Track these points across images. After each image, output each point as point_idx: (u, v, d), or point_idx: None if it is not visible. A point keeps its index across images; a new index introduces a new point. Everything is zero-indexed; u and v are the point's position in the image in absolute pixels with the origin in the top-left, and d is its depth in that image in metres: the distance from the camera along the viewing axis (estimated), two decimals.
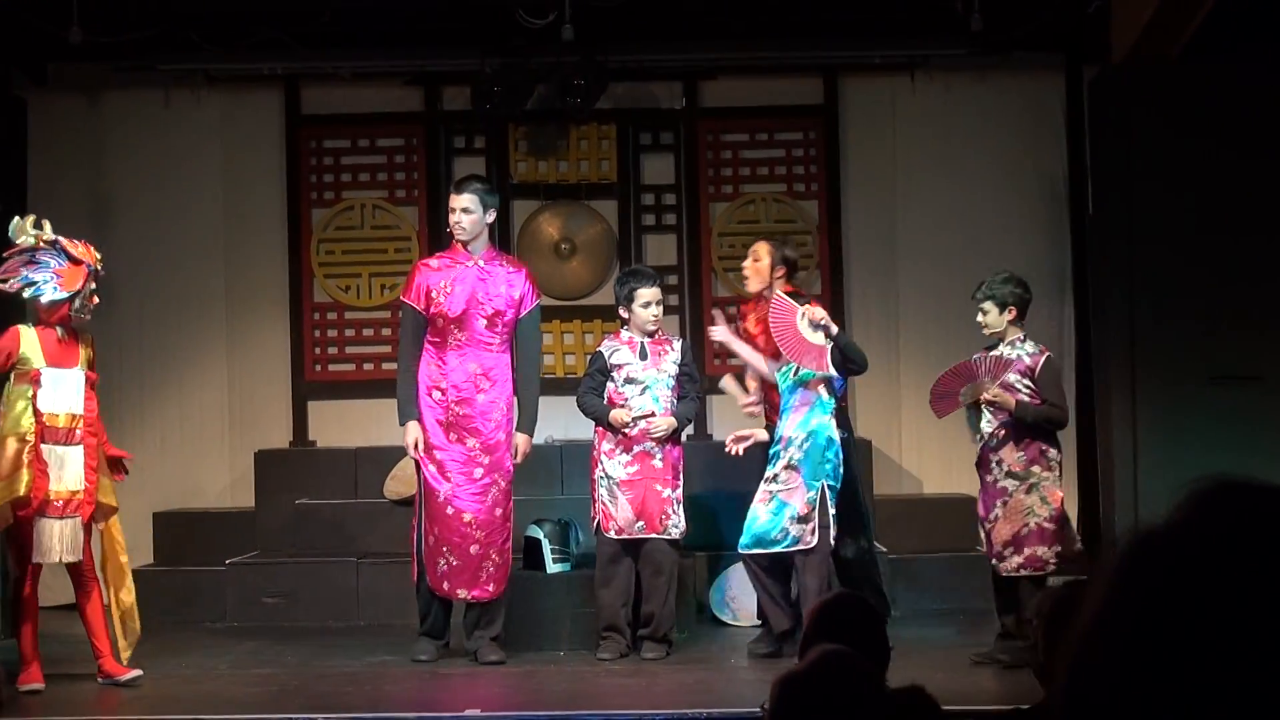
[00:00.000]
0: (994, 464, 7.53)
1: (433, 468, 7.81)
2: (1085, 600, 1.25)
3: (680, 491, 7.91)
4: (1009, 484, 7.47)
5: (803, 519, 7.54)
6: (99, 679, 7.35)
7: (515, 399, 7.96)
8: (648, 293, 7.99)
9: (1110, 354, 9.17)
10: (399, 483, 9.37)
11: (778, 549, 7.59)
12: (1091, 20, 9.60)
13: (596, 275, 10.65)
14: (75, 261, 7.34)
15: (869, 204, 10.60)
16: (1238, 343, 8.82)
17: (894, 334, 10.45)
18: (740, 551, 7.73)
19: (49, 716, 6.69)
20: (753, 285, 8.11)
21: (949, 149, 10.55)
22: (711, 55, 10.52)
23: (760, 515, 7.64)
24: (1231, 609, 1.17)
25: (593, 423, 8.07)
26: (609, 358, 8.02)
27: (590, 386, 8.03)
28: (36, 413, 7.21)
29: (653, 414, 7.90)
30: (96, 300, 7.45)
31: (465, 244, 7.86)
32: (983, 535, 7.69)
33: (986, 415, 7.56)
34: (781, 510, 7.59)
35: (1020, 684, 6.66)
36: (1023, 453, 7.47)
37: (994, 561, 7.51)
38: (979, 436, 7.63)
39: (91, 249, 7.45)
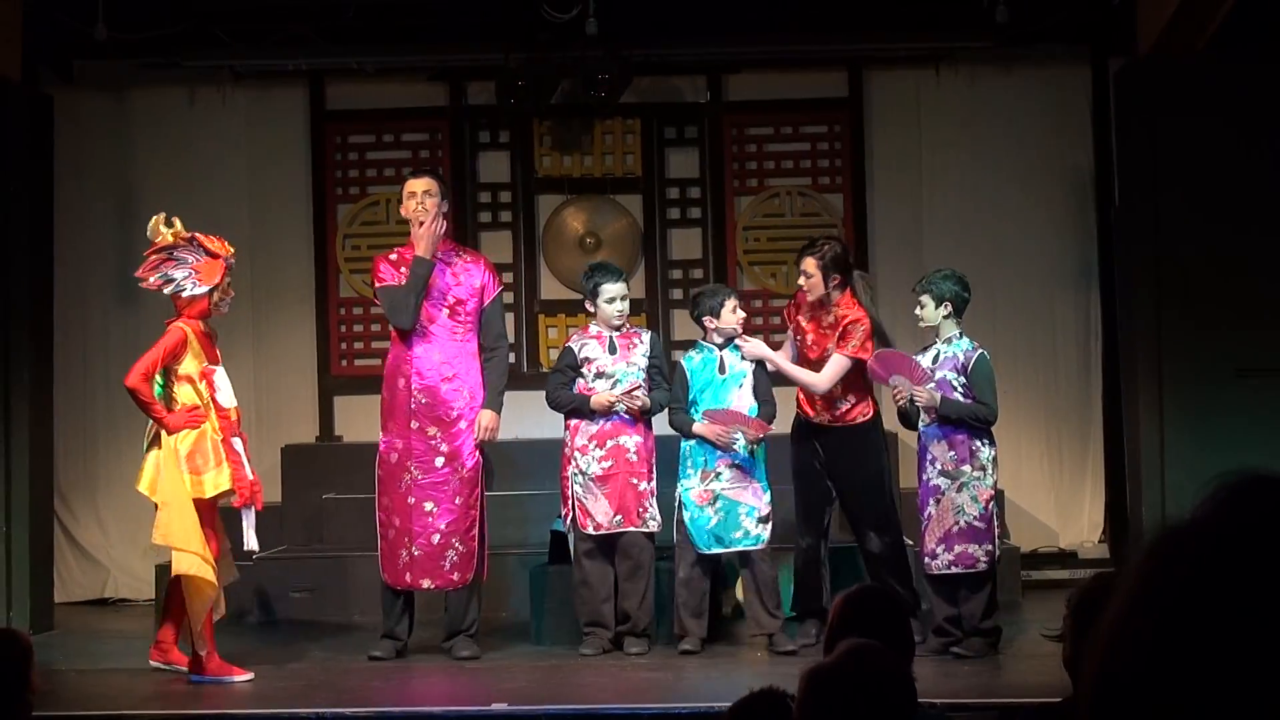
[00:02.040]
0: (928, 462, 7.59)
1: (394, 456, 7.83)
2: (1112, 594, 1.26)
3: (654, 484, 7.88)
4: (941, 482, 7.53)
5: (764, 519, 7.70)
6: (154, 661, 7.46)
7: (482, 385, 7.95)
8: (613, 288, 7.97)
9: (1136, 347, 9.15)
10: None
11: (737, 547, 7.72)
12: (1117, 12, 9.57)
13: (622, 269, 10.65)
14: (213, 256, 7.45)
15: (894, 197, 10.58)
16: (1264, 336, 8.80)
17: (919, 328, 10.42)
18: (702, 552, 7.73)
19: (78, 710, 6.72)
20: (813, 297, 7.95)
21: (974, 142, 10.53)
22: (736, 49, 10.51)
23: (710, 516, 7.70)
24: (1258, 604, 1.18)
25: (563, 418, 8.00)
26: (578, 352, 7.99)
27: (560, 382, 7.97)
28: (219, 409, 7.34)
29: (636, 388, 7.87)
30: (233, 293, 7.59)
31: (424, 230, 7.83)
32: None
33: (922, 413, 7.62)
34: (734, 510, 7.68)
35: (1046, 679, 6.67)
36: (954, 451, 7.52)
37: (925, 559, 7.56)
38: (922, 423, 7.66)
39: (225, 243, 7.55)
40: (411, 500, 7.78)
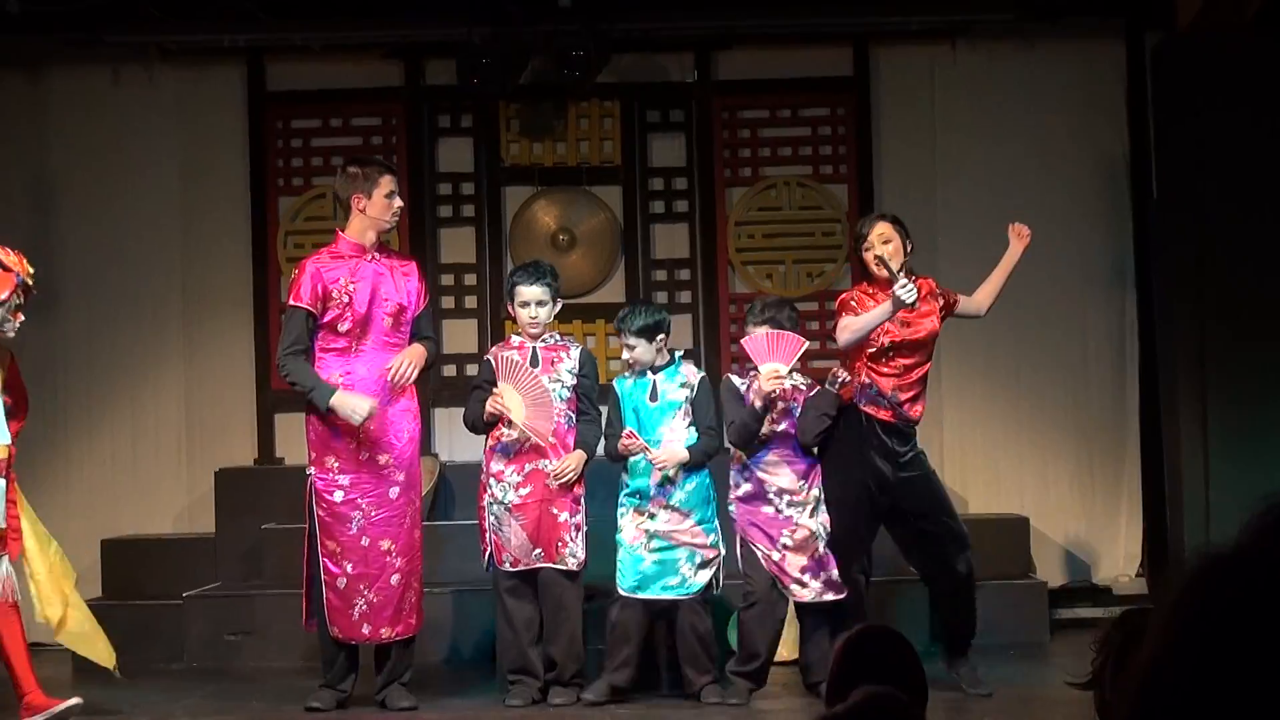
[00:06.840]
0: (771, 493, 7.70)
1: (340, 494, 7.67)
2: (1151, 628, 1.26)
3: (581, 518, 7.75)
4: (793, 512, 7.68)
5: (706, 564, 7.68)
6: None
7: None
8: (527, 291, 7.83)
9: (1177, 357, 9.16)
10: None
11: (669, 595, 7.66)
12: None
13: (599, 270, 10.66)
14: (5, 269, 7.33)
15: (904, 188, 10.59)
16: None
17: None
18: (624, 594, 7.67)
19: None
20: (898, 263, 7.85)
21: (994, 126, 10.55)
22: (727, 22, 10.52)
23: (644, 555, 7.66)
24: None
25: (482, 442, 7.94)
26: (496, 364, 7.88)
27: (479, 399, 7.84)
28: None
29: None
30: (22, 318, 7.39)
31: (381, 234, 7.81)
32: (769, 569, 7.67)
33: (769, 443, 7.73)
34: (672, 554, 7.64)
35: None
36: (804, 480, 7.72)
37: (793, 587, 7.65)
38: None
39: (24, 260, 7.42)
40: (366, 541, 7.66)
